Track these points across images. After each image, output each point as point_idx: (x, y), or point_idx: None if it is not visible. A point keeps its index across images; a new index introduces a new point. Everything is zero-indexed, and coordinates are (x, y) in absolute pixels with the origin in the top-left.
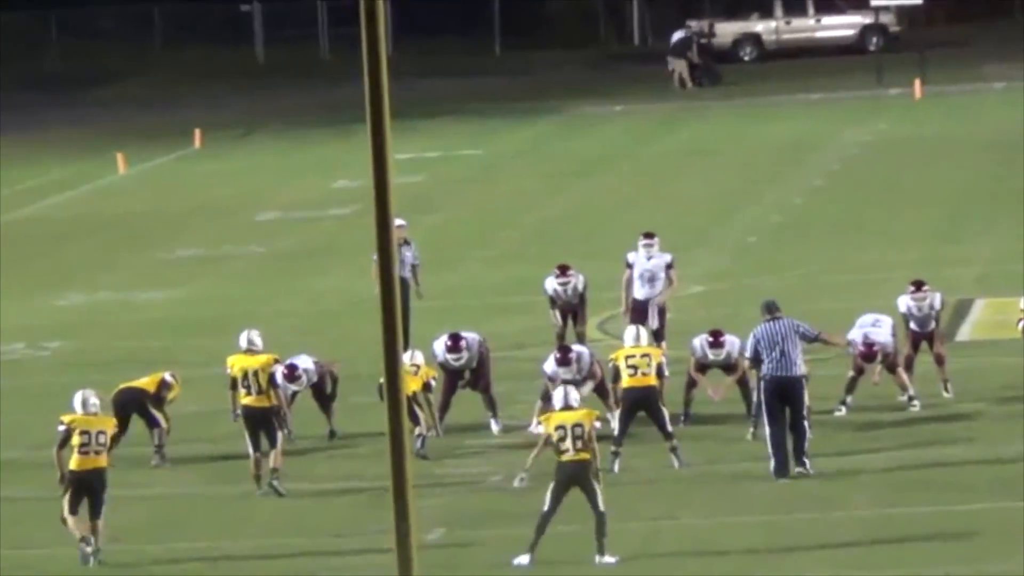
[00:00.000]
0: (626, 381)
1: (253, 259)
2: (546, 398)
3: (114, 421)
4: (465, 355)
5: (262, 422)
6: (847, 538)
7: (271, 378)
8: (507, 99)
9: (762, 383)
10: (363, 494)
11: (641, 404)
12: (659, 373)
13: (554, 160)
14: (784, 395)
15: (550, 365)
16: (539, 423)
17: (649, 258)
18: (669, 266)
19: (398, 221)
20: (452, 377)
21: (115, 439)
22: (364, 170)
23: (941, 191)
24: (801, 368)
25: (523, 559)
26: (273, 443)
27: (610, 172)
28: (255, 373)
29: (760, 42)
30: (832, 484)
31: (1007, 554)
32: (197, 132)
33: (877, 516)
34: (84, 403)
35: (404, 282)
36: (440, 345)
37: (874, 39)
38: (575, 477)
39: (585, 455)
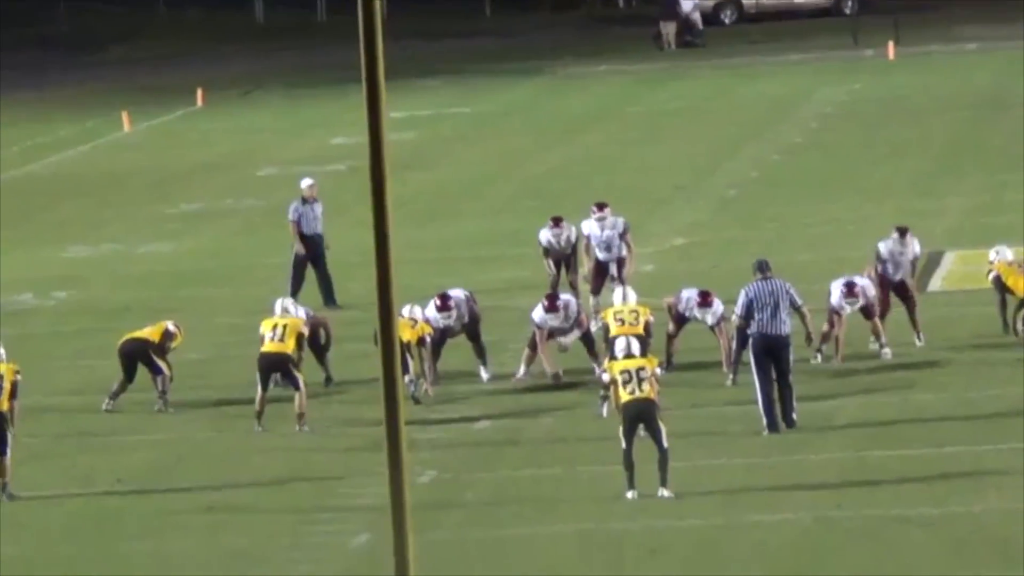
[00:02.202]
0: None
1: (254, 213)
2: (532, 346)
3: (13, 367)
4: (455, 313)
5: (277, 366)
6: (822, 480)
7: (298, 338)
8: (497, 60)
9: (751, 341)
10: (359, 438)
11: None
12: (646, 330)
13: (542, 118)
14: (772, 353)
15: (538, 313)
16: (604, 371)
17: (603, 229)
18: (623, 232)
19: (308, 180)
20: (443, 335)
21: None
22: (360, 128)
23: (914, 148)
24: (788, 327)
25: (629, 494)
26: (296, 385)
27: (596, 129)
28: (284, 325)
29: (740, 6)
30: (808, 429)
31: (975, 496)
32: (200, 91)
33: (851, 459)
34: None
35: (319, 237)
36: (431, 309)
37: (849, 2)
38: (641, 415)
39: (649, 394)
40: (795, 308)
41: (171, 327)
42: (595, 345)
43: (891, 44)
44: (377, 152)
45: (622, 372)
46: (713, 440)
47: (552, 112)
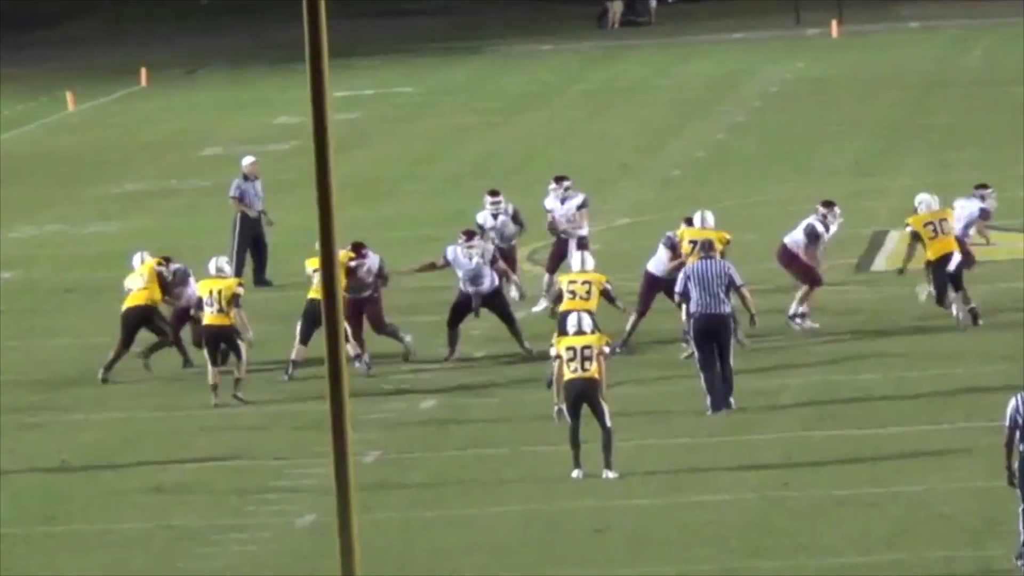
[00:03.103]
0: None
1: (198, 193)
2: (452, 323)
3: None
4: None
5: (221, 338)
6: (767, 460)
7: (234, 299)
8: (440, 39)
9: (691, 321)
10: (304, 418)
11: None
12: (606, 296)
13: (486, 97)
14: (713, 333)
15: (451, 251)
16: (552, 345)
17: (563, 201)
18: (581, 206)
19: (250, 158)
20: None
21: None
22: (304, 107)
23: (857, 127)
24: (728, 307)
25: (575, 473)
26: (239, 355)
27: (540, 108)
28: (219, 291)
29: None
30: (753, 409)
31: (919, 475)
32: (143, 71)
33: (796, 438)
34: None
35: (260, 215)
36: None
37: None
38: (583, 393)
39: (592, 373)
40: (734, 288)
41: (158, 268)
42: (516, 323)
43: (834, 23)
44: (321, 131)
45: (568, 349)
46: (658, 419)
47: (496, 91)
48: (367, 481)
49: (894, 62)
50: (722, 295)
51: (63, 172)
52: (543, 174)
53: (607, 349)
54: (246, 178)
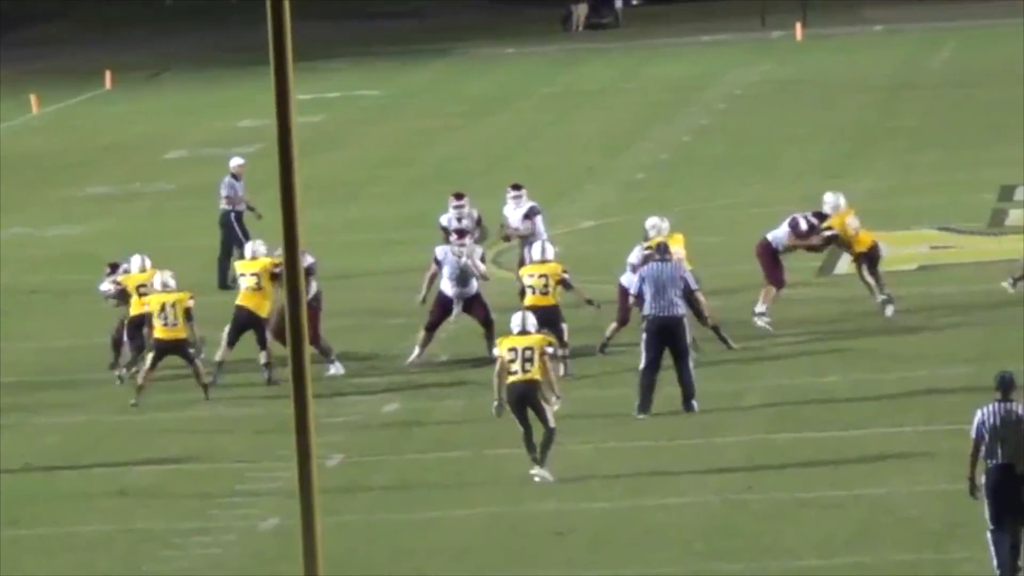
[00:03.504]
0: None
1: (162, 196)
2: (429, 328)
3: None
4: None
5: (175, 351)
6: (729, 463)
7: (187, 312)
8: (405, 41)
9: (645, 323)
10: (267, 421)
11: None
12: (565, 285)
13: (450, 100)
14: (667, 336)
15: (441, 251)
16: (496, 345)
17: (517, 207)
18: (526, 215)
19: (239, 159)
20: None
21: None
22: (268, 110)
23: (822, 129)
24: (682, 309)
25: (533, 471)
26: (193, 364)
27: (505, 111)
28: (172, 305)
29: None
30: (715, 411)
31: (881, 478)
32: (108, 74)
33: (758, 441)
34: None
35: (240, 214)
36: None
37: None
38: (524, 395)
39: (533, 375)
40: (689, 292)
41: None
42: (492, 328)
43: (799, 25)
44: (285, 134)
45: (510, 350)
46: (620, 422)
47: (460, 94)
48: (330, 484)
49: (859, 65)
50: (675, 298)
51: (27, 175)
52: (507, 178)
53: (550, 350)
54: (235, 178)
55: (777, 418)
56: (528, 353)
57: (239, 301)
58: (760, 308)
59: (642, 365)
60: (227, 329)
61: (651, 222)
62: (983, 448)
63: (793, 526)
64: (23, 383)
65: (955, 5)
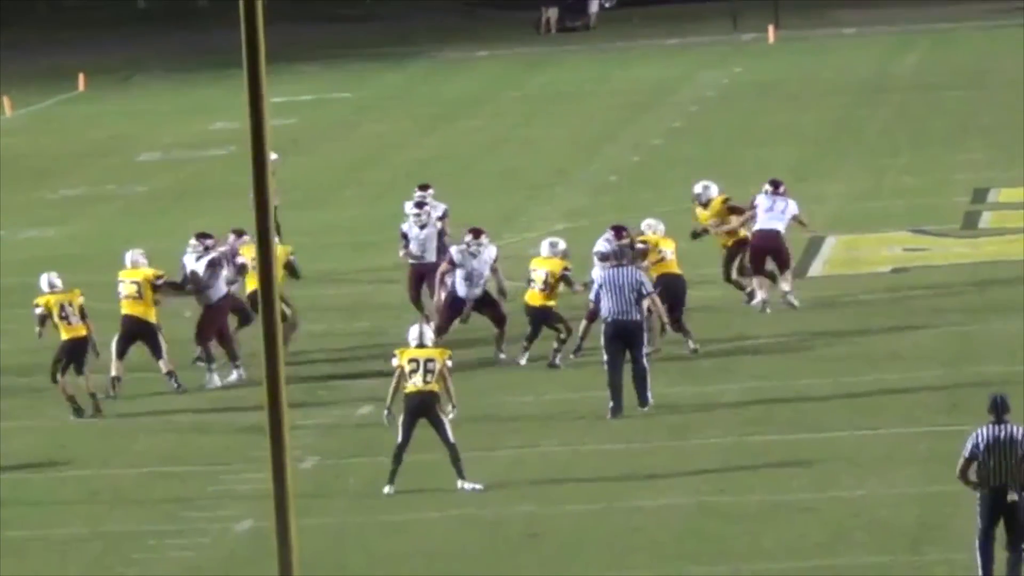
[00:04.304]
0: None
1: (135, 198)
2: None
3: None
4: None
5: (81, 350)
6: (704, 465)
7: (81, 309)
8: (377, 44)
9: (603, 327)
10: (241, 423)
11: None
12: (566, 281)
13: (422, 103)
14: (625, 338)
15: (456, 252)
16: (394, 355)
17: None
18: (440, 217)
19: (273, 155)
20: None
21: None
22: (241, 112)
23: (794, 132)
24: (640, 313)
25: (386, 488)
26: (80, 371)
27: (476, 114)
28: (70, 303)
29: None
30: (688, 414)
31: (856, 480)
32: (81, 76)
33: (733, 443)
34: None
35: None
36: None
37: None
38: (420, 408)
39: (432, 387)
40: (644, 295)
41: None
42: (504, 323)
43: (771, 28)
44: (258, 137)
45: (410, 361)
46: (594, 424)
47: (432, 97)
48: (305, 486)
49: (831, 67)
50: (634, 302)
51: (1, 178)
52: (479, 180)
53: (449, 363)
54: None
55: (751, 420)
56: (430, 365)
57: (124, 311)
58: (786, 287)
59: (608, 373)
60: (115, 340)
61: (647, 223)
62: (977, 468)
63: (767, 529)
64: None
65: (926, 8)
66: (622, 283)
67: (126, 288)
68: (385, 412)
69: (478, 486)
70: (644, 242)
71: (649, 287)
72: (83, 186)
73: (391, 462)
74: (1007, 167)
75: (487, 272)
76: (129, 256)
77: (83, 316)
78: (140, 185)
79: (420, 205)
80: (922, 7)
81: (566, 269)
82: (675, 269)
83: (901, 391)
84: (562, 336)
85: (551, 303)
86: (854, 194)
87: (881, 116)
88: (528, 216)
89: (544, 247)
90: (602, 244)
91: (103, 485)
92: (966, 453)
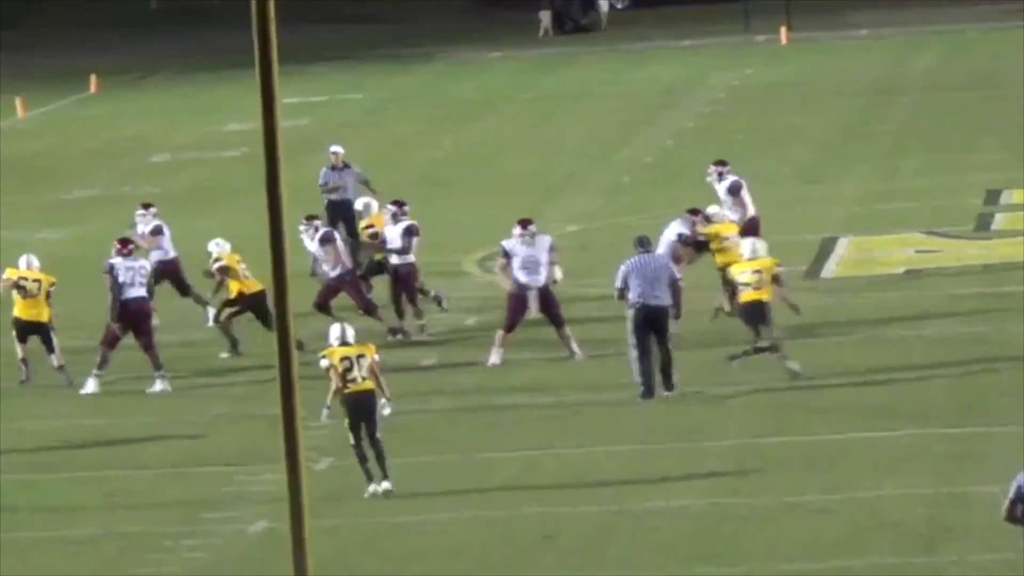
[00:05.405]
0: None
1: (148, 199)
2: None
3: None
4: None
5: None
6: (716, 467)
7: (47, 295)
8: (389, 45)
9: (631, 312)
10: (255, 423)
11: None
12: (778, 281)
13: (435, 104)
14: (652, 324)
15: (507, 244)
16: (323, 356)
17: (396, 223)
18: (408, 232)
19: (335, 147)
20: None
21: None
22: (253, 113)
23: (806, 133)
24: (667, 299)
25: (370, 487)
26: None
27: (489, 116)
28: (35, 281)
29: None
30: (702, 413)
31: (871, 482)
32: (93, 77)
33: (747, 445)
34: None
35: (347, 203)
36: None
37: None
38: (363, 407)
39: (369, 384)
40: (673, 282)
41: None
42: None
43: (783, 29)
44: (271, 138)
45: (343, 359)
46: (608, 425)
47: (445, 98)
48: (319, 487)
49: (843, 69)
50: (662, 288)
51: (12, 178)
52: (493, 181)
53: (377, 358)
54: (333, 168)
55: (764, 421)
56: (362, 361)
57: (16, 313)
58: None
59: (635, 355)
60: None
61: (712, 210)
62: (1020, 508)
63: (781, 530)
64: (5, 388)
65: (939, 9)
66: (651, 269)
67: (29, 286)
68: (325, 410)
69: (390, 485)
70: (705, 234)
71: (677, 274)
72: (96, 187)
73: (358, 463)
74: (1020, 168)
75: (545, 258)
76: (24, 260)
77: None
78: (153, 186)
79: (398, 204)
80: (935, 8)
81: (779, 266)
82: (734, 258)
83: (915, 392)
84: (765, 345)
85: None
86: (867, 195)
87: (894, 117)
88: (542, 217)
89: (747, 249)
90: (682, 226)
91: (117, 487)
92: (1011, 493)
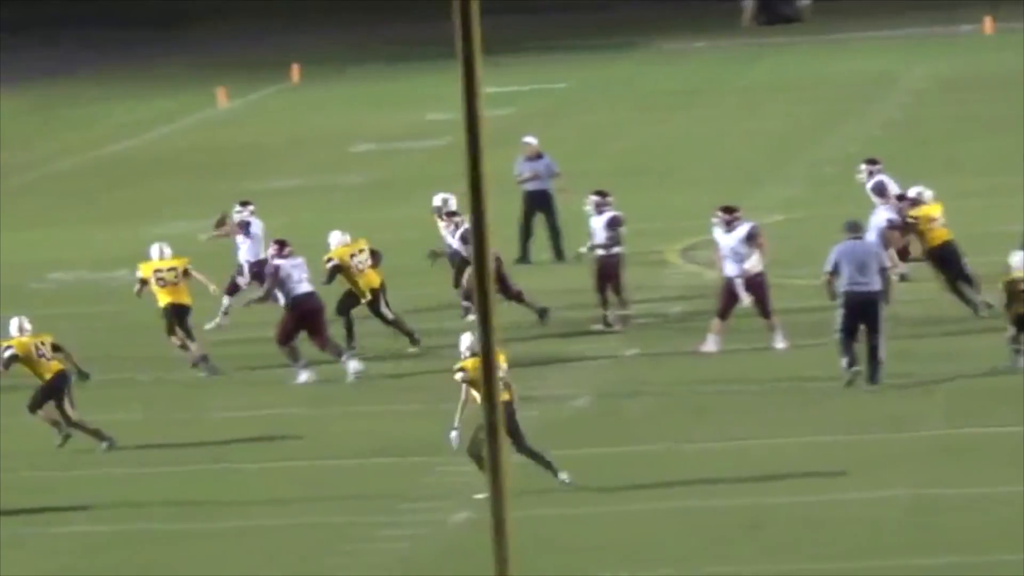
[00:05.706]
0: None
1: (349, 189)
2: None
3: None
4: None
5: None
6: (920, 456)
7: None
8: (592, 35)
9: (841, 298)
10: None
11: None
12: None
13: (638, 94)
14: (862, 312)
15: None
16: (460, 369)
17: (600, 214)
18: (612, 223)
19: (528, 138)
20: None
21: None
22: (455, 103)
23: (1012, 123)
24: (878, 285)
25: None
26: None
27: (693, 105)
28: (171, 269)
29: None
30: (904, 403)
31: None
32: (295, 66)
33: (952, 436)
34: None
35: (543, 193)
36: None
37: None
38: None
39: (505, 395)
40: (882, 269)
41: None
42: (770, 315)
43: (988, 19)
44: (473, 128)
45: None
46: (815, 415)
47: (648, 88)
48: (518, 478)
49: None
50: (872, 275)
51: (216, 167)
52: (695, 170)
53: (506, 366)
54: (527, 158)
55: (967, 410)
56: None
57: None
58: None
59: (840, 338)
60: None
61: (916, 190)
62: None
63: (987, 520)
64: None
65: None
66: (861, 255)
67: (166, 276)
68: (454, 433)
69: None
70: (914, 217)
71: (888, 262)
72: (296, 177)
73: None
74: None
75: (746, 247)
76: (157, 248)
77: (56, 349)
78: (354, 176)
79: (451, 215)
80: None
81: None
82: (946, 236)
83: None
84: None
85: None
86: None
87: None
88: (745, 208)
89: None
90: (889, 211)
91: (316, 476)
92: None
